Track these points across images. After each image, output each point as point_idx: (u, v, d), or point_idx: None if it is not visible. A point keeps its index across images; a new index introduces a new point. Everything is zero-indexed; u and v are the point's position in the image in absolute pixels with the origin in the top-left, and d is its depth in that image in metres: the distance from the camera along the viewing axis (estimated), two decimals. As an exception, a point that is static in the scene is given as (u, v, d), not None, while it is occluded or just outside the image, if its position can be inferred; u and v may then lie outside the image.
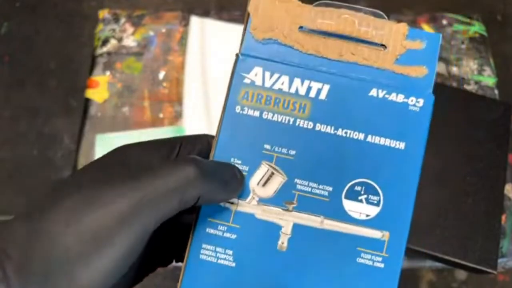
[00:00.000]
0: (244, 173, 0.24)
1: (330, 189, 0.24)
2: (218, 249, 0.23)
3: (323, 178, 0.24)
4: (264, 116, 0.24)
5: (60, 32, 1.21)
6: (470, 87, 0.65)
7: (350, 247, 0.23)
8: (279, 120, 0.24)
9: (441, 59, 0.66)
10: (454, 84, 0.64)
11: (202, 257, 0.23)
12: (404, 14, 0.69)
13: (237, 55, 0.24)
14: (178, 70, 0.64)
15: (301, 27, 0.24)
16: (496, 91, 0.65)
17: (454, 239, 0.52)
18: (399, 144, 0.24)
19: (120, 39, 0.66)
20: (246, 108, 0.24)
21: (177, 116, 0.62)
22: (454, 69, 0.66)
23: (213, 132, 0.24)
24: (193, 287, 0.23)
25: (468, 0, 0.71)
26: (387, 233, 0.23)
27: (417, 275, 1.04)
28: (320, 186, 0.24)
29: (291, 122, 0.24)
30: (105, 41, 0.66)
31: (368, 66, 0.24)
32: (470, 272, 0.55)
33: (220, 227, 0.23)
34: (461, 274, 1.04)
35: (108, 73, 0.64)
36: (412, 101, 0.24)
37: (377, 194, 0.24)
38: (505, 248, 0.57)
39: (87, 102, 0.63)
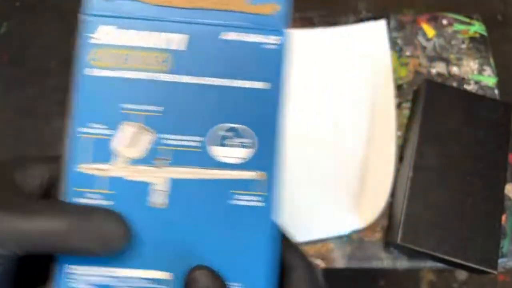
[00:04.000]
0: (108, 137, 0.23)
1: (201, 139, 0.23)
2: None
3: (193, 129, 0.23)
4: (123, 75, 0.23)
5: (60, 32, 1.21)
6: (470, 87, 0.65)
7: (227, 191, 0.23)
8: (140, 77, 0.23)
9: (441, 59, 0.66)
10: (454, 84, 0.64)
11: None
12: (404, 13, 0.69)
13: (80, 15, 0.23)
14: (178, 70, 0.64)
15: None
16: (496, 91, 0.65)
17: (454, 239, 0.52)
18: (261, 84, 0.24)
19: (120, 39, 0.66)
20: (99, 70, 0.23)
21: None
22: (454, 69, 0.65)
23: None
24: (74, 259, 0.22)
25: (468, 0, 0.71)
26: (261, 173, 0.23)
27: (417, 275, 1.04)
28: (191, 138, 0.23)
29: (154, 78, 0.23)
30: (105, 41, 0.66)
31: (219, 10, 0.24)
32: (470, 273, 0.55)
33: (93, 196, 0.22)
34: (462, 275, 1.04)
35: (107, 73, 0.64)
36: (267, 39, 0.24)
37: (247, 136, 0.23)
38: (505, 248, 0.57)
39: (86, 102, 0.63)
